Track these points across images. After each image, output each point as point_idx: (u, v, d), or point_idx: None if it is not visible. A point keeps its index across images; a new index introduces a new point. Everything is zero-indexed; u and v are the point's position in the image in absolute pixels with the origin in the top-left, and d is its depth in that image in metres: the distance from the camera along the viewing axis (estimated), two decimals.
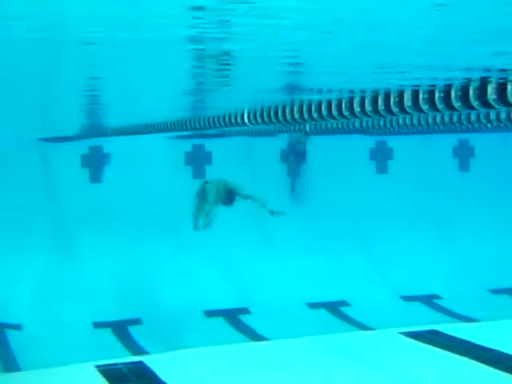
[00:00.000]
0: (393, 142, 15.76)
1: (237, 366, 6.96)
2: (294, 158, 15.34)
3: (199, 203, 10.10)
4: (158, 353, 8.61)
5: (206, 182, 10.34)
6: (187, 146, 14.98)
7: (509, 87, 4.66)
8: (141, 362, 7.05)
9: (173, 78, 5.77)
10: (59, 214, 14.10)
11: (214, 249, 14.46)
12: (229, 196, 9.89)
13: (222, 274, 14.31)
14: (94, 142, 14.16)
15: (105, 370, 6.71)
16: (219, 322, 13.11)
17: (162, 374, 6.60)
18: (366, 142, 15.55)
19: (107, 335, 12.27)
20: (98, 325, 12.69)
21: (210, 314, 13.44)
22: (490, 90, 5.00)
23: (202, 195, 10.09)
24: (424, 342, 7.50)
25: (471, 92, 5.02)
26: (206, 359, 7.20)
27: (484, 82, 4.92)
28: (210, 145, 15.00)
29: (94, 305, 13.10)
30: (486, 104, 5.06)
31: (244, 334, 12.35)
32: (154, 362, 7.05)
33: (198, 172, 14.96)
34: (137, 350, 11.39)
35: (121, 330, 12.50)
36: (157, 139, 13.91)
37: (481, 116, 8.67)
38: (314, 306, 13.94)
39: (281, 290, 14.21)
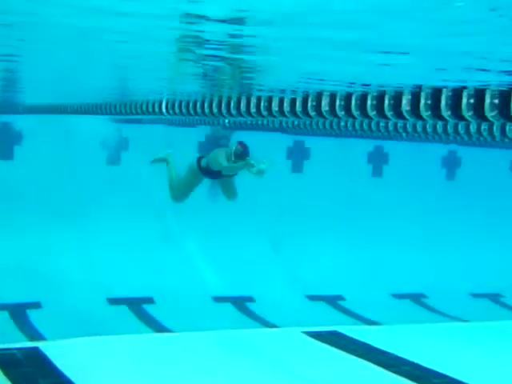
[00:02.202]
0: (310, 142, 15.93)
1: (136, 356, 6.86)
2: None
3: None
4: (57, 339, 8.38)
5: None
6: (105, 129, 14.68)
7: (422, 101, 4.78)
8: (36, 348, 6.85)
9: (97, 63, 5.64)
10: None
11: (122, 237, 14.24)
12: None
13: (128, 262, 14.10)
14: (5, 118, 13.71)
15: None
16: (123, 311, 12.93)
17: (57, 362, 6.43)
18: (284, 141, 15.65)
19: (3, 318, 11.89)
20: None
21: (114, 302, 13.24)
22: (405, 101, 5.11)
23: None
24: (324, 342, 7.61)
25: (386, 102, 5.12)
26: (105, 348, 7.07)
27: (399, 94, 5.02)
28: (128, 130, 14.76)
29: None
30: (399, 115, 5.18)
31: (147, 325, 12.22)
32: (50, 348, 6.85)
33: (114, 157, 14.73)
34: (34, 335, 11.10)
35: (18, 313, 12.14)
36: (73, 120, 13.58)
37: (398, 126, 8.87)
38: (220, 299, 13.95)
39: (188, 283, 14.14)
